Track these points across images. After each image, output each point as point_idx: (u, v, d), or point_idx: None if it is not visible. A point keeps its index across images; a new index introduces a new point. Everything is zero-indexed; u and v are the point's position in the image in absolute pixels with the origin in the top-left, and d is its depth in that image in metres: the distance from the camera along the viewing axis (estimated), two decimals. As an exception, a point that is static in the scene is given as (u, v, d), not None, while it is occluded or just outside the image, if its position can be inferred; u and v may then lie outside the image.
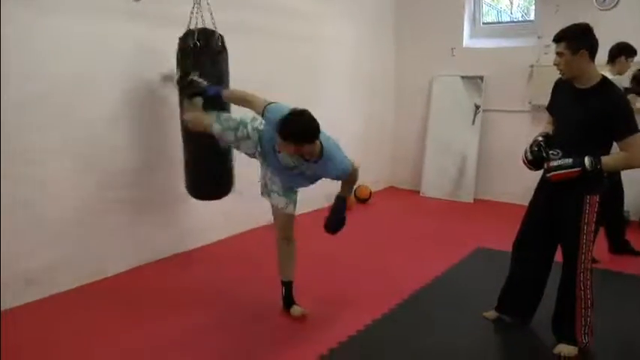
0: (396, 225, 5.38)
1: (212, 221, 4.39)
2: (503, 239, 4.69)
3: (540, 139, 2.80)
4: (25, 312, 3.20)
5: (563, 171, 2.61)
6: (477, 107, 6.33)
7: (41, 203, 3.33)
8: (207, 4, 3.44)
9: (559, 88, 2.85)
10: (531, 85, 5.89)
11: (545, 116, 3.09)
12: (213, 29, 3.42)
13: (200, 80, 3.15)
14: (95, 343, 2.87)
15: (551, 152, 2.68)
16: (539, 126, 5.78)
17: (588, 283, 2.71)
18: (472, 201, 6.27)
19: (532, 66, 5.84)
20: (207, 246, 4.41)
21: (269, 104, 2.84)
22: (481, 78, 6.29)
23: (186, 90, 3.18)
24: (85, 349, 2.82)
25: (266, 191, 3.13)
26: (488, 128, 6.31)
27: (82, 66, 3.46)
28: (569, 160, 2.58)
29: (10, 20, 3.05)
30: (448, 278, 3.85)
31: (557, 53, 2.65)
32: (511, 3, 6.97)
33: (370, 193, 6.19)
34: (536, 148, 2.79)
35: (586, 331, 2.74)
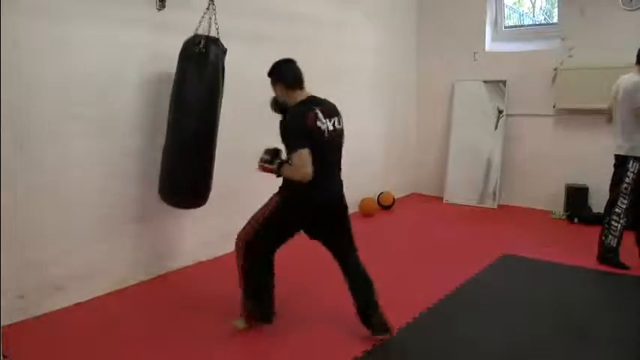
0: (420, 231, 5.34)
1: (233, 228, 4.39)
2: (529, 246, 4.68)
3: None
4: (56, 318, 3.23)
5: (260, 163, 2.92)
6: (500, 112, 6.26)
7: (72, 210, 3.38)
8: (214, 9, 3.44)
9: None
10: (555, 88, 5.81)
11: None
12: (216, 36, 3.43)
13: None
14: (126, 351, 2.88)
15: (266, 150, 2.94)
16: (565, 130, 5.83)
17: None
18: (496, 207, 6.19)
19: (556, 69, 5.76)
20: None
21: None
22: (504, 82, 6.23)
23: None
24: (116, 357, 2.83)
25: None
26: (512, 133, 6.24)
27: (109, 75, 3.50)
28: (268, 157, 2.90)
29: (38, 33, 3.12)
30: (474, 286, 3.79)
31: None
32: (533, 6, 6.90)
33: (393, 199, 6.15)
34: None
35: None
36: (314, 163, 2.74)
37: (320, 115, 2.81)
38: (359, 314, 2.99)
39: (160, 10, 3.73)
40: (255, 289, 2.99)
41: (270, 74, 2.96)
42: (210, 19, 3.47)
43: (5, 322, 2.95)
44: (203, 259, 4.22)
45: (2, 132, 2.93)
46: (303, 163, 2.71)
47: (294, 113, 2.83)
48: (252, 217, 2.96)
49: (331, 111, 2.91)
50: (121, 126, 3.62)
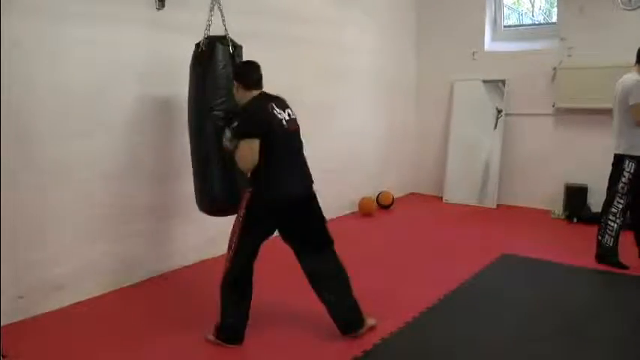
0: (420, 231, 5.34)
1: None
2: (528, 245, 4.68)
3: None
4: (55, 317, 3.23)
5: (224, 142, 2.88)
6: (499, 111, 6.26)
7: (69, 211, 3.38)
8: (220, 9, 3.44)
9: None
10: (555, 87, 5.81)
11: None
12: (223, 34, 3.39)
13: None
14: (126, 350, 2.88)
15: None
16: (564, 129, 5.83)
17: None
18: (495, 206, 6.19)
19: (555, 68, 5.77)
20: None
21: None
22: (503, 82, 6.22)
23: None
24: (116, 356, 2.83)
25: None
26: (511, 132, 6.24)
27: (107, 75, 3.51)
28: (230, 136, 2.83)
29: (37, 32, 3.12)
30: (473, 285, 3.79)
31: None
32: (532, 5, 6.91)
33: (392, 199, 6.15)
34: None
35: None
36: (274, 155, 2.80)
37: (275, 106, 2.88)
38: (335, 314, 2.98)
39: (159, 9, 3.73)
40: (228, 304, 2.93)
41: (233, 74, 3.06)
42: (211, 17, 3.45)
43: (5, 322, 2.96)
44: (205, 257, 4.21)
45: (2, 132, 2.93)
46: (251, 152, 2.75)
47: (254, 105, 2.90)
48: (229, 247, 2.89)
49: (283, 103, 2.96)
50: (120, 125, 3.62)
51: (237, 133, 2.78)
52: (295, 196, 2.89)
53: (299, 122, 2.99)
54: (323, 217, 3.04)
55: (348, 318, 2.98)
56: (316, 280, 2.99)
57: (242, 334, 2.93)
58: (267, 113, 2.83)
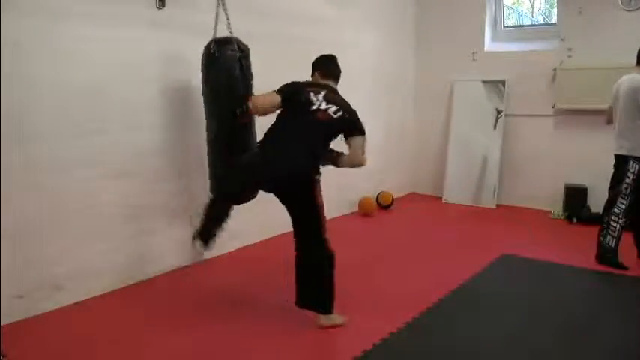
0: (420, 231, 5.34)
1: (242, 226, 4.38)
2: (528, 246, 4.68)
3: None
4: (55, 317, 3.22)
5: None
6: (499, 112, 6.26)
7: (69, 211, 3.37)
8: (225, 10, 3.47)
9: None
10: (554, 88, 5.81)
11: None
12: (230, 36, 3.44)
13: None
14: (126, 349, 2.88)
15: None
16: (564, 130, 5.84)
17: None
18: (495, 207, 6.19)
19: (555, 69, 5.77)
20: (236, 251, 4.44)
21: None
22: (503, 82, 6.23)
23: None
24: (116, 356, 2.83)
25: None
26: (511, 133, 6.24)
27: (108, 74, 3.50)
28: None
29: (37, 32, 3.12)
30: (473, 285, 3.79)
31: None
32: (532, 6, 6.92)
33: (392, 199, 6.16)
34: None
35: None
36: (283, 122, 3.10)
37: (320, 95, 3.10)
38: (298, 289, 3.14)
39: (159, 9, 3.73)
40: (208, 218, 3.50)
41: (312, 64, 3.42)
42: (217, 18, 3.47)
43: (5, 322, 2.95)
44: (206, 257, 4.20)
45: (2, 132, 2.93)
46: (267, 99, 3.14)
47: (301, 81, 3.24)
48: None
49: (335, 101, 3.14)
50: (120, 124, 3.61)
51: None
52: (270, 172, 3.05)
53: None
54: (303, 213, 3.07)
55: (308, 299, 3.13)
56: (297, 263, 3.11)
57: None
58: (301, 88, 3.12)
